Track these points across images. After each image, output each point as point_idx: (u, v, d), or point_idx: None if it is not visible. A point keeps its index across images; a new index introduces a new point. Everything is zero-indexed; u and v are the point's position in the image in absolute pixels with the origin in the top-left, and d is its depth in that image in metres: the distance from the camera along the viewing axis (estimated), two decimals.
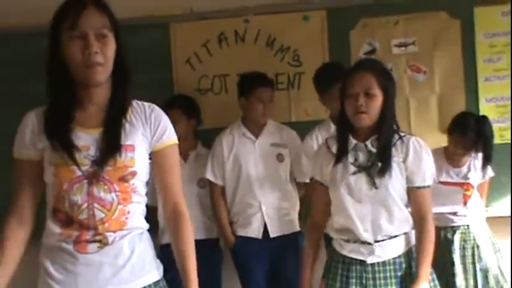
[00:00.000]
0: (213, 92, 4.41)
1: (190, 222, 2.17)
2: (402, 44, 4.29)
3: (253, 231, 3.92)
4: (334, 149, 2.81)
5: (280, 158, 3.96)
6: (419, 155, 2.73)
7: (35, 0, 4.09)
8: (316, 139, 3.74)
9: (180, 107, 4.03)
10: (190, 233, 2.16)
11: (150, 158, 2.13)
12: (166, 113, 2.18)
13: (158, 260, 2.18)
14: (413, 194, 2.74)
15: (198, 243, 3.87)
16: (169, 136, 2.16)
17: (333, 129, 3.69)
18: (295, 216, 4.00)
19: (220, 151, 3.98)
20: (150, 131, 2.11)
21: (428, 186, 2.76)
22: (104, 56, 1.98)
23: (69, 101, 2.04)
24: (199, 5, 4.36)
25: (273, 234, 3.90)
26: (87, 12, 1.98)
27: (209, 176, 3.99)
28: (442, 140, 3.99)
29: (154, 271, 2.13)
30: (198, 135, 4.19)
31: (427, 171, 2.75)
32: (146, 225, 2.16)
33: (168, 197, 2.17)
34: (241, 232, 3.95)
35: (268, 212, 3.91)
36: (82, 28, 1.96)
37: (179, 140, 3.98)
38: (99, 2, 2.03)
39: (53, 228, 2.04)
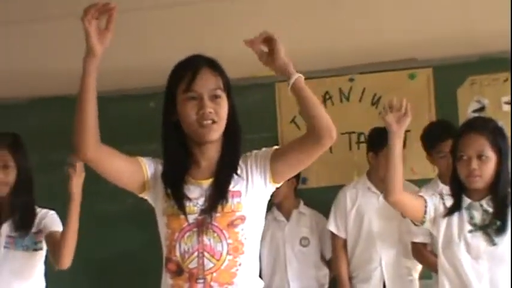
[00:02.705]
0: None
1: None
2: None
3: (373, 286, 3.87)
4: (448, 203, 2.79)
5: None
6: None
7: (149, 62, 4.29)
8: None
9: None
10: None
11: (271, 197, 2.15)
12: None
13: None
14: None
15: None
16: (268, 148, 2.14)
17: (440, 188, 3.61)
18: (416, 276, 3.91)
19: (344, 204, 3.98)
20: (255, 167, 2.10)
21: None
22: (218, 115, 2.05)
23: (184, 158, 2.11)
24: (305, 64, 4.36)
25: None
26: (201, 74, 2.06)
27: (332, 228, 3.99)
28: None
29: None
30: (303, 194, 4.18)
31: None
32: (259, 283, 2.14)
33: None
34: (360, 287, 3.91)
35: (387, 268, 3.85)
36: (197, 90, 2.04)
37: (281, 200, 4.03)
38: (213, 63, 2.11)
39: (166, 279, 2.08)
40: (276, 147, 2.14)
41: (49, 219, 3.03)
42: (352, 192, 4.00)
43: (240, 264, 2.03)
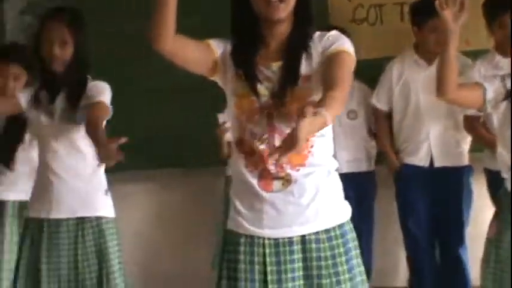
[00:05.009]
0: (368, 23, 4.32)
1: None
2: None
3: (420, 159, 3.89)
4: (509, 84, 2.72)
5: None
6: None
7: None
8: (479, 72, 3.56)
9: None
10: None
11: None
12: None
13: (346, 202, 2.14)
14: None
15: (351, 176, 3.99)
16: (339, 45, 2.03)
17: (497, 60, 3.52)
18: (465, 148, 3.91)
19: (390, 77, 3.95)
20: (322, 51, 2.04)
21: None
22: None
23: (253, 37, 2.08)
24: None
25: (438, 163, 3.86)
26: None
27: (374, 101, 4.00)
28: None
29: (340, 213, 2.10)
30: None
31: None
32: (334, 164, 2.12)
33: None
34: (407, 160, 3.94)
35: (435, 141, 3.85)
36: None
37: None
38: None
39: (238, 159, 2.08)
40: (339, 53, 2.00)
41: (95, 88, 2.96)
42: (398, 65, 3.94)
43: (312, 146, 2.02)
